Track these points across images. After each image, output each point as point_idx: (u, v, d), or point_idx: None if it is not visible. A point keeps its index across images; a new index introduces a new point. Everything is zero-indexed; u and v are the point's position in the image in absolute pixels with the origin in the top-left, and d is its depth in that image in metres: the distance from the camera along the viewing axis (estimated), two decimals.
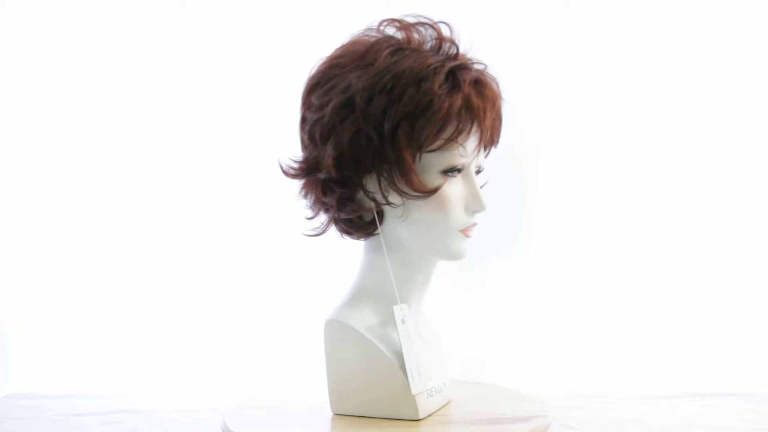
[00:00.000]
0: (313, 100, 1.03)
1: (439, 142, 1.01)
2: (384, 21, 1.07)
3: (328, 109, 1.01)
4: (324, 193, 1.04)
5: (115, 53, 1.51)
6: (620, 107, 1.49)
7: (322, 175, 1.03)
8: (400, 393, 1.07)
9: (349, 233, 1.09)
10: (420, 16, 1.06)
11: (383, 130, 0.99)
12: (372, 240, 1.09)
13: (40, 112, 1.52)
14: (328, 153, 1.01)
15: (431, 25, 1.05)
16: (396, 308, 1.07)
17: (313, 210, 1.09)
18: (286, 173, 1.08)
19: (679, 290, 1.50)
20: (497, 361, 1.50)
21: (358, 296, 1.10)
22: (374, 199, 1.04)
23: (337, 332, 1.08)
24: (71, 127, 1.52)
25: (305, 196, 1.08)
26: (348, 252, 1.16)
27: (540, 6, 1.48)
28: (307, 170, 1.05)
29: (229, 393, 1.40)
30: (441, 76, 0.99)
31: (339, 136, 1.00)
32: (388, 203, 1.04)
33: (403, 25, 1.05)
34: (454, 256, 1.08)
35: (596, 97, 1.49)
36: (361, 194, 1.04)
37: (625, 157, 1.49)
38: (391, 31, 1.06)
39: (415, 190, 1.01)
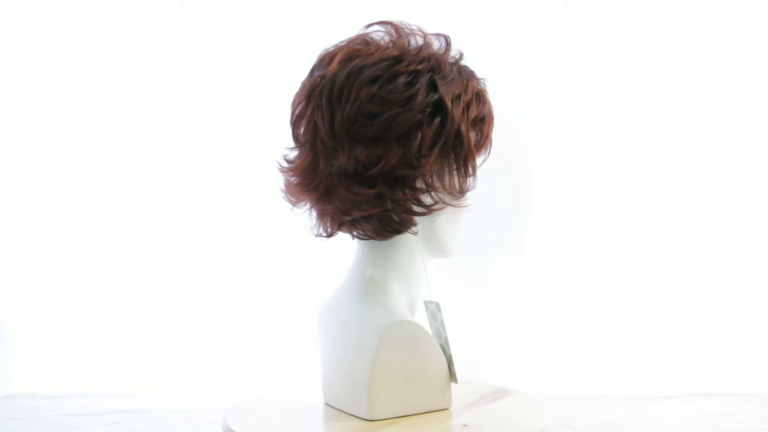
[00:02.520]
0: (380, 93, 1.02)
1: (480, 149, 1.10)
2: (375, 23, 1.08)
3: (416, 105, 1.01)
4: (395, 190, 1.03)
5: (115, 53, 1.51)
6: (618, 106, 1.48)
7: (407, 172, 1.02)
8: (441, 384, 1.11)
9: (395, 231, 1.07)
10: (409, 24, 1.09)
11: (461, 131, 1.04)
12: (393, 240, 1.09)
13: (40, 112, 1.52)
14: (415, 148, 1.01)
15: (444, 36, 1.11)
16: (438, 302, 1.12)
17: (359, 209, 1.05)
18: (370, 171, 1.03)
19: (678, 290, 1.49)
20: (497, 361, 1.50)
21: (392, 295, 1.10)
22: (433, 197, 1.06)
23: (407, 333, 1.07)
24: (71, 127, 1.52)
25: (356, 194, 1.03)
26: (345, 252, 1.17)
27: (539, 6, 1.48)
28: (396, 166, 1.02)
29: (230, 393, 1.40)
30: (487, 95, 1.11)
31: (425, 133, 1.02)
32: (445, 203, 1.07)
33: (398, 30, 1.08)
34: (454, 253, 1.16)
35: (594, 96, 1.48)
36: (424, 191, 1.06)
37: (623, 157, 1.49)
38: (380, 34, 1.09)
39: (461, 191, 1.08)
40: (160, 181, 1.53)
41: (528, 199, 1.51)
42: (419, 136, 1.02)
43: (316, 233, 1.13)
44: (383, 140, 1.01)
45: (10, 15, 1.50)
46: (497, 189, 1.45)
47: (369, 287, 1.10)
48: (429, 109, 1.02)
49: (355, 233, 1.09)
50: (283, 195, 1.12)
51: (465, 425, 1.08)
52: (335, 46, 1.09)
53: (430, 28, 1.13)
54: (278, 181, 1.13)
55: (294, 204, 1.11)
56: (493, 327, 1.51)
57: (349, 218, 1.06)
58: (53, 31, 1.50)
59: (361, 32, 1.11)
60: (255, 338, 1.52)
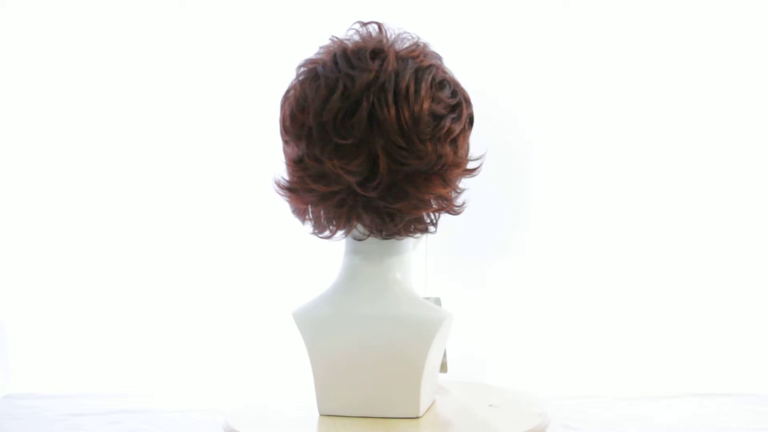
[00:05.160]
0: (439, 96, 1.04)
1: None
2: (366, 23, 1.08)
3: (464, 113, 1.07)
4: (450, 190, 1.07)
5: (116, 53, 1.51)
6: (618, 106, 1.49)
7: (466, 173, 1.08)
8: (438, 375, 1.16)
9: (426, 230, 1.09)
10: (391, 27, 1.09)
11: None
12: (405, 240, 1.11)
13: (40, 112, 1.52)
14: (466, 150, 1.08)
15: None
16: (439, 297, 1.15)
17: (420, 208, 1.05)
18: (453, 171, 1.06)
19: (678, 290, 1.50)
20: (497, 361, 1.50)
21: (417, 293, 1.11)
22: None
23: (448, 327, 1.10)
24: (71, 127, 1.52)
25: (424, 193, 1.04)
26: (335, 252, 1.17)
27: (540, 6, 1.48)
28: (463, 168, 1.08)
29: (230, 393, 1.40)
30: None
31: (465, 139, 1.08)
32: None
33: (381, 31, 1.08)
34: None
35: (594, 95, 1.49)
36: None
37: (623, 157, 1.49)
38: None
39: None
40: (162, 181, 1.53)
41: (528, 199, 1.51)
42: (466, 142, 1.08)
43: (330, 234, 1.09)
44: (442, 143, 1.03)
45: (10, 15, 1.50)
46: (497, 189, 1.45)
47: (395, 287, 1.09)
48: (467, 119, 1.09)
49: (383, 233, 1.07)
50: (303, 195, 1.06)
51: (491, 405, 1.13)
52: (354, 41, 1.06)
53: (430, 28, 1.13)
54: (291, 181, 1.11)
55: (316, 205, 1.06)
56: (493, 327, 1.51)
57: (410, 218, 1.06)
58: (53, 31, 1.50)
59: (356, 31, 1.10)
60: (255, 338, 1.52)
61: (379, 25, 1.08)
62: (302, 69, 1.08)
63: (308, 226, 1.11)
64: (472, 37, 1.46)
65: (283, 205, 1.13)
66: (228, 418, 1.12)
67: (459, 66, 1.14)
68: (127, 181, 1.53)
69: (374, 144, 1.01)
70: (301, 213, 1.11)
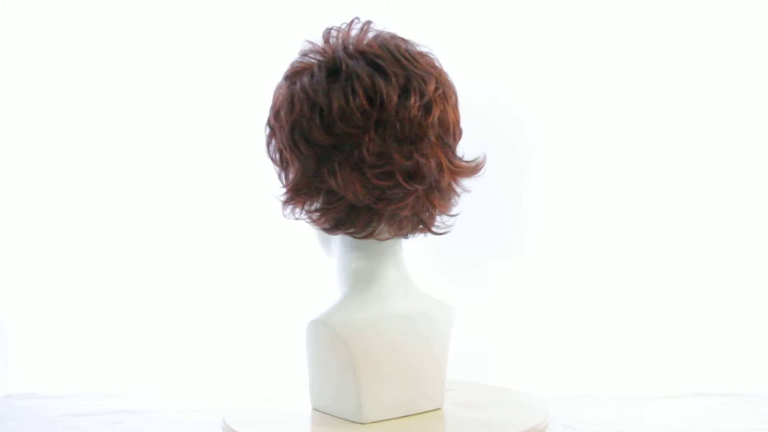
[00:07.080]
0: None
1: None
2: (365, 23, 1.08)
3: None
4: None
5: (117, 53, 1.51)
6: (619, 105, 1.49)
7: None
8: None
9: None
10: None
11: None
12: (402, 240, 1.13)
13: (40, 112, 1.52)
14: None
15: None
16: None
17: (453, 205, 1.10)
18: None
19: (678, 290, 1.50)
20: (497, 360, 1.50)
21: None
22: None
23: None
24: (71, 127, 1.52)
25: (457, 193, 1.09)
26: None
27: (540, 6, 1.48)
28: None
29: (230, 393, 1.40)
30: None
31: None
32: None
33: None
34: None
35: (594, 95, 1.49)
36: None
37: (624, 157, 1.49)
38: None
39: None
40: (161, 181, 1.53)
41: (528, 199, 1.51)
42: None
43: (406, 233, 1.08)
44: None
45: (10, 15, 1.50)
46: (498, 189, 1.45)
47: (411, 284, 1.12)
48: None
49: (408, 234, 1.09)
50: (384, 191, 1.02)
51: (448, 389, 1.15)
52: (391, 36, 1.06)
53: (431, 27, 1.13)
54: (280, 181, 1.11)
55: (397, 202, 1.03)
56: (494, 327, 1.51)
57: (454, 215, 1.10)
58: (53, 31, 1.50)
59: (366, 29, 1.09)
60: (255, 338, 1.52)
61: (367, 23, 1.08)
62: (352, 56, 1.03)
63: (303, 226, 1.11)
64: (472, 37, 1.46)
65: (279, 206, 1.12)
66: (228, 418, 1.12)
67: (459, 66, 1.14)
68: (127, 182, 1.53)
69: (436, 145, 1.04)
70: (334, 211, 1.04)
